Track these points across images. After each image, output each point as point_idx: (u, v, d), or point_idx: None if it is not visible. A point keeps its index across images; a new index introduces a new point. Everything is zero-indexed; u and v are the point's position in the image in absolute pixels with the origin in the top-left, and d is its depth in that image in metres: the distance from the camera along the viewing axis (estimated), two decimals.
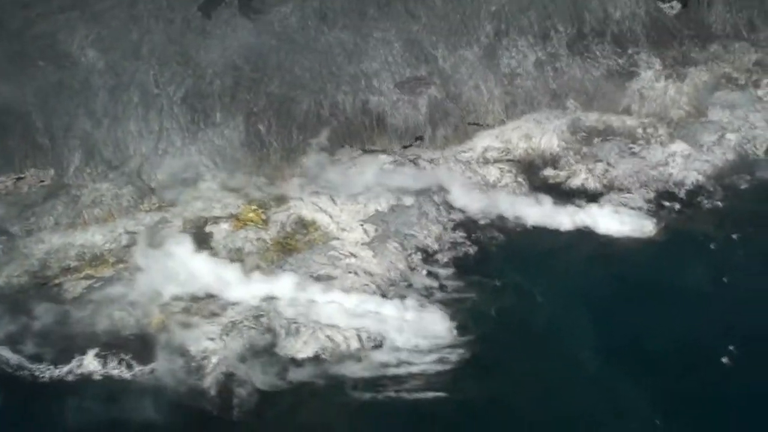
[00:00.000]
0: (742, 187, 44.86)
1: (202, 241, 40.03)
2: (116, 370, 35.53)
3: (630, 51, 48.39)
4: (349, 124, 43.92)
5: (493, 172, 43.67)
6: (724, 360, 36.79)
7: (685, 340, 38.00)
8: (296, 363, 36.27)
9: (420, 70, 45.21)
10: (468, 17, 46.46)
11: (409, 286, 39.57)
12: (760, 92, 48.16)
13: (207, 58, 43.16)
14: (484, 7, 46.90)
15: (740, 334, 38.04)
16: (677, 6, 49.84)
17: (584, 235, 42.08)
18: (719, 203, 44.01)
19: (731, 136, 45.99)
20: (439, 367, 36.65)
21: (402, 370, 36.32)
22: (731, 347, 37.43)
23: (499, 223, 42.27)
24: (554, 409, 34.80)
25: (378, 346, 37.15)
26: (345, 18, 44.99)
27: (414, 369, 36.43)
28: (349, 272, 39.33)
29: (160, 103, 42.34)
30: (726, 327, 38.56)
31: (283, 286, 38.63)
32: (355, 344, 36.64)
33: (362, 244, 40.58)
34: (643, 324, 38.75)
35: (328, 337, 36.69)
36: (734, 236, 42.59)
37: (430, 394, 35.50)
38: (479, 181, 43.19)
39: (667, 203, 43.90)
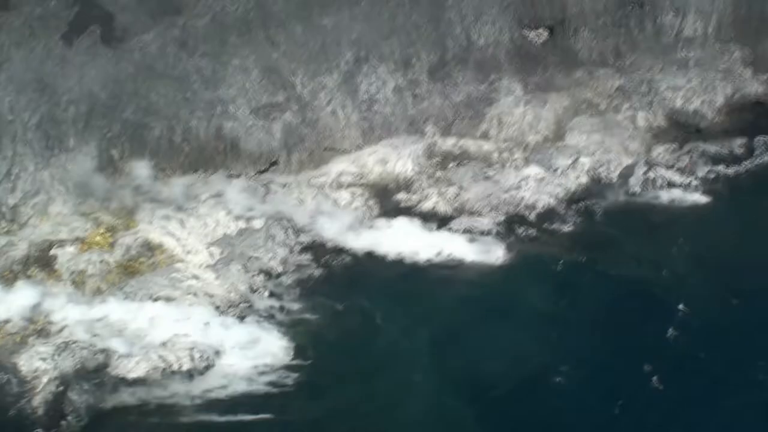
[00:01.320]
0: (594, 210, 45.71)
1: (46, 264, 40.62)
2: None
3: (492, 77, 49.42)
4: (203, 149, 44.93)
5: (344, 196, 44.83)
6: (558, 379, 37.30)
7: (521, 362, 38.75)
8: (127, 383, 36.81)
9: (277, 96, 46.34)
10: (328, 44, 47.58)
11: (250, 307, 40.49)
12: (619, 117, 49.55)
13: (64, 86, 44.26)
14: (345, 34, 47.90)
15: (576, 355, 38.76)
16: (544, 34, 51.02)
17: (432, 258, 42.72)
18: (569, 226, 45.13)
19: (585, 160, 46.95)
20: (272, 390, 37.46)
21: (233, 392, 37.05)
22: (564, 367, 38.14)
23: (346, 246, 42.78)
24: None
25: (210, 366, 37.80)
26: (205, 45, 46.03)
27: (245, 391, 37.02)
28: (189, 293, 40.38)
29: (14, 130, 42.99)
30: (563, 348, 39.45)
31: (121, 307, 39.38)
32: (187, 365, 37.50)
33: (206, 266, 41.45)
34: (483, 347, 39.80)
35: (161, 357, 37.60)
36: (582, 259, 43.41)
37: (259, 416, 36.19)
38: (330, 205, 43.73)
39: (517, 226, 44.78)
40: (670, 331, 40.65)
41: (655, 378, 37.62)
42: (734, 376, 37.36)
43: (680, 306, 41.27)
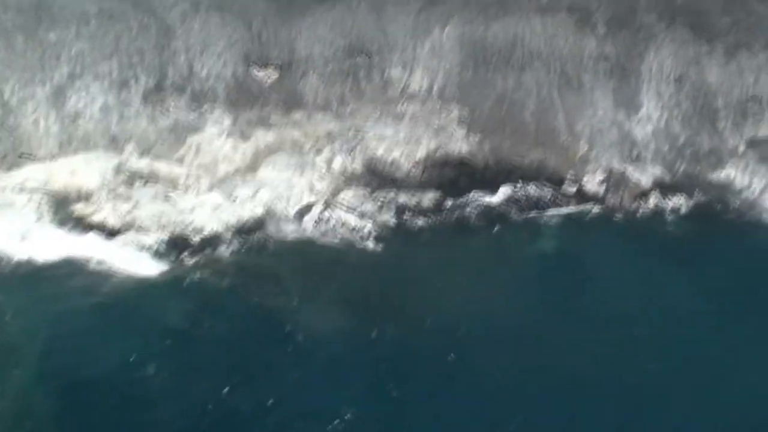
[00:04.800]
0: (261, 241, 50.41)
1: None
2: None
3: (204, 108, 54.14)
4: None
5: (20, 199, 49.16)
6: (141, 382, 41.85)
7: (126, 367, 43.33)
8: None
9: None
10: (47, 58, 52.44)
11: None
12: (317, 158, 54.23)
13: None
14: (66, 50, 52.79)
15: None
16: (274, 74, 55.83)
17: (89, 267, 47.50)
18: (232, 254, 49.62)
19: (266, 193, 51.63)
20: None
21: None
22: (160, 376, 42.78)
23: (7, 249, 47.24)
24: None
25: None
26: None
27: None
28: None
29: None
30: (177, 362, 44.00)
31: None
32: None
33: None
34: (95, 351, 43.96)
35: None
36: (233, 286, 48.34)
37: None
38: (5, 206, 48.37)
39: (179, 247, 48.97)
40: (285, 359, 44.77)
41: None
42: None
43: (300, 337, 44.97)
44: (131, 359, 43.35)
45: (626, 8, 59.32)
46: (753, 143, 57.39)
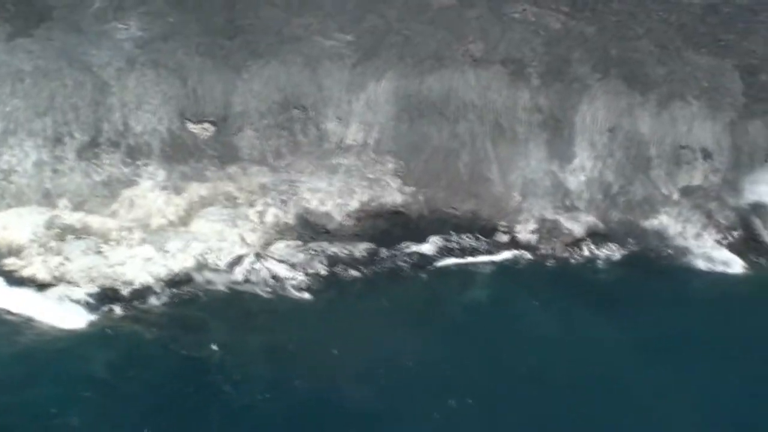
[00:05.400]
0: (191, 293, 51.28)
1: None
2: None
3: (139, 162, 55.16)
4: None
5: None
6: None
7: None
8: None
9: None
10: None
11: None
12: (250, 211, 55.29)
13: None
14: (0, 107, 53.92)
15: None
16: (210, 128, 57.10)
17: (17, 320, 48.25)
18: (162, 306, 50.36)
19: (197, 246, 52.54)
20: None
21: None
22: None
23: None
24: None
25: None
26: None
27: None
28: None
29: None
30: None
31: None
32: None
33: None
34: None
35: None
36: (162, 338, 48.80)
37: None
38: None
39: (108, 299, 49.83)
40: (207, 408, 45.75)
41: None
42: None
43: (225, 387, 45.71)
44: (52, 410, 43.48)
45: (560, 60, 60.69)
46: (687, 191, 58.30)
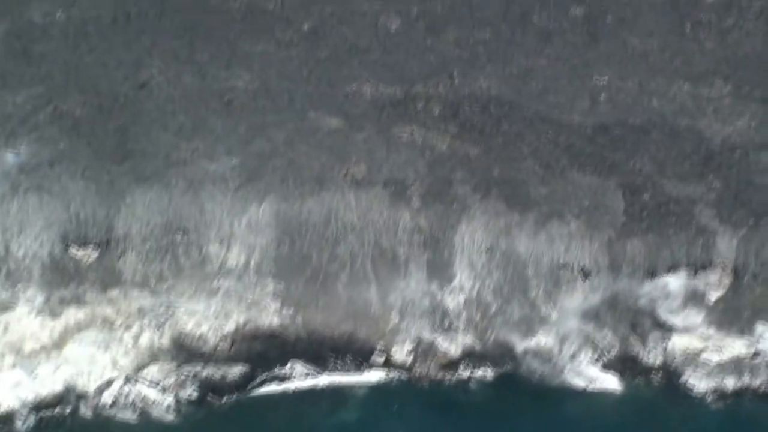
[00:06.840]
0: (57, 418, 53.23)
1: None
2: None
3: (18, 287, 57.15)
4: None
5: None
6: None
7: None
8: None
9: None
10: None
11: None
12: (126, 334, 57.16)
13: None
14: None
15: None
16: (93, 254, 59.13)
17: None
18: (26, 430, 51.88)
19: (67, 370, 54.32)
20: None
21: None
22: None
23: None
24: None
25: None
26: None
27: None
28: None
29: None
30: None
31: None
32: None
33: None
34: None
35: None
36: None
37: None
38: None
39: None
40: None
41: None
42: None
43: None
44: None
45: (442, 181, 63.19)
46: (565, 310, 60.28)
